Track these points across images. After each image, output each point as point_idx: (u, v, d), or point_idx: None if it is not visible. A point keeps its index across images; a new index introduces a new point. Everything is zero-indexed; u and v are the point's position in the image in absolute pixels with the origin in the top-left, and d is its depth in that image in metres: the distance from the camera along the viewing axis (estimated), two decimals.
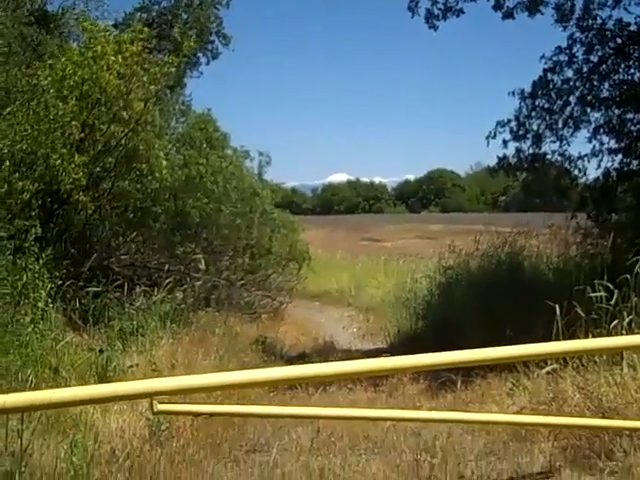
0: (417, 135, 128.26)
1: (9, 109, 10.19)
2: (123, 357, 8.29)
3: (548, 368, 7.06)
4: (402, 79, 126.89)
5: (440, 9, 12.41)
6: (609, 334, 7.07)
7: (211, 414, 4.30)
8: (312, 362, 10.04)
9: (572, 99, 12.19)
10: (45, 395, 3.45)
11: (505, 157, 12.61)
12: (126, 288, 10.63)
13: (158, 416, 5.66)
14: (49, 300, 8.61)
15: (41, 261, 8.71)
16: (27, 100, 10.31)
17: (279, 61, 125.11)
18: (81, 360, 7.61)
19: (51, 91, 10.54)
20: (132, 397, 3.97)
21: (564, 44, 12.27)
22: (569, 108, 12.21)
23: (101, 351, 7.94)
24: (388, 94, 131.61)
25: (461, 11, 12.42)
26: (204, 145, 14.92)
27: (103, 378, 7.40)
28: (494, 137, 12.48)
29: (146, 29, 12.09)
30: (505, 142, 12.50)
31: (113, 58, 10.79)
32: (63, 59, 11.17)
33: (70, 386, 6.37)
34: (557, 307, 7.51)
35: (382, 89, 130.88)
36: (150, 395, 3.44)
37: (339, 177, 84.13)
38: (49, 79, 10.72)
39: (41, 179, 10.44)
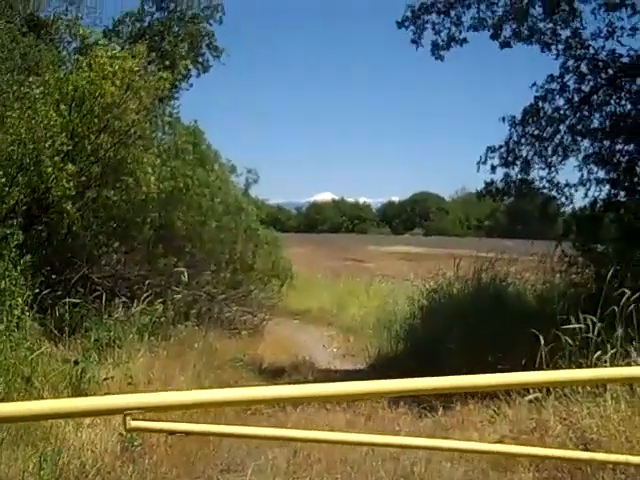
0: (403, 157, 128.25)
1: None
2: (99, 369, 8.13)
3: (530, 396, 6.98)
4: (391, 100, 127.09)
5: (444, 40, 12.50)
6: (593, 365, 7.00)
7: (186, 433, 4.16)
8: (291, 381, 9.97)
9: (562, 127, 12.23)
10: (12, 407, 3.28)
11: (492, 182, 12.65)
12: (105, 299, 10.45)
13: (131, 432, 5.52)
14: (25, 308, 8.45)
15: (19, 268, 8.55)
16: (18, 108, 10.19)
17: (267, 78, 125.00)
18: (55, 371, 7.45)
19: (41, 101, 10.42)
20: (104, 413, 3.81)
21: (556, 72, 12.33)
22: (559, 136, 12.25)
23: (76, 362, 7.78)
24: (375, 114, 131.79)
25: (464, 40, 12.52)
26: (191, 157, 14.82)
27: (77, 390, 7.24)
28: (484, 162, 12.55)
29: (140, 47, 12.03)
30: (493, 167, 12.54)
31: (110, 68, 10.77)
32: (56, 70, 11.16)
33: (43, 397, 6.23)
34: (541, 337, 7.43)
35: (370, 109, 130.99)
36: (123, 411, 3.30)
37: (324, 196, 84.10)
38: (41, 88, 10.62)
39: (28, 186, 10.30)
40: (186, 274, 12.69)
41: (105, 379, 7.78)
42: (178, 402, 3.53)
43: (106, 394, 5.97)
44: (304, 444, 5.96)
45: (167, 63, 16.91)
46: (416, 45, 12.66)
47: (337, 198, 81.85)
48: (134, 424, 3.36)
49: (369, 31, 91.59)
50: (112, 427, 6.15)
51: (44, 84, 10.87)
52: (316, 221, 75.69)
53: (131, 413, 3.26)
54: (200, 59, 18.97)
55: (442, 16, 12.34)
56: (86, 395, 6.73)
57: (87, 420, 6.10)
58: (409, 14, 12.46)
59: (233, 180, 17.77)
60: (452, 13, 12.30)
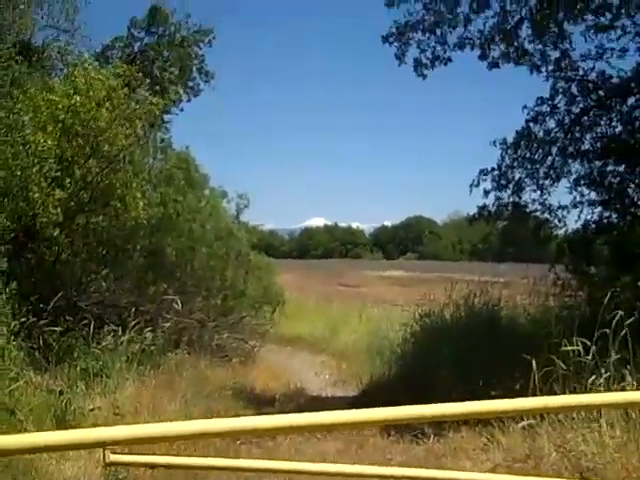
0: (395, 181, 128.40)
1: None
2: (85, 399, 7.99)
3: (524, 423, 6.86)
4: (384, 124, 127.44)
5: (428, 58, 12.45)
6: (587, 389, 6.89)
7: (169, 466, 4.01)
8: (282, 410, 9.82)
9: (553, 150, 12.19)
10: None
11: (485, 206, 12.57)
12: (93, 327, 10.30)
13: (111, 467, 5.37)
14: (11, 337, 8.31)
15: (4, 296, 8.44)
16: (6, 134, 10.10)
17: (257, 101, 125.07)
18: (39, 402, 7.30)
19: (30, 126, 10.35)
20: (85, 446, 3.66)
21: (545, 94, 12.33)
22: (550, 158, 12.21)
23: (61, 393, 7.64)
24: (366, 139, 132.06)
25: (449, 59, 12.45)
26: (182, 183, 14.76)
27: (62, 422, 7.10)
28: (477, 185, 12.45)
29: (126, 66, 12.04)
30: (486, 192, 12.46)
31: (104, 93, 10.76)
32: (45, 94, 11.12)
33: (26, 430, 6.09)
34: (534, 362, 7.33)
35: (361, 133, 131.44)
36: (104, 444, 3.16)
37: (317, 221, 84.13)
38: (30, 114, 10.55)
39: (15, 213, 10.20)
40: (179, 302, 12.56)
41: (91, 410, 7.64)
42: (162, 434, 3.39)
43: (93, 425, 5.83)
44: (294, 475, 5.81)
45: (157, 88, 16.91)
46: (399, 61, 12.60)
47: (330, 223, 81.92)
48: (114, 458, 3.24)
49: (366, 56, 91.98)
50: (96, 459, 6.00)
51: (34, 109, 10.80)
52: (309, 246, 75.64)
53: (111, 446, 3.14)
54: (191, 83, 18.98)
55: (427, 34, 12.28)
56: (71, 427, 6.60)
57: (71, 452, 5.95)
58: (394, 30, 12.42)
59: (224, 206, 17.70)
60: (438, 32, 12.24)
